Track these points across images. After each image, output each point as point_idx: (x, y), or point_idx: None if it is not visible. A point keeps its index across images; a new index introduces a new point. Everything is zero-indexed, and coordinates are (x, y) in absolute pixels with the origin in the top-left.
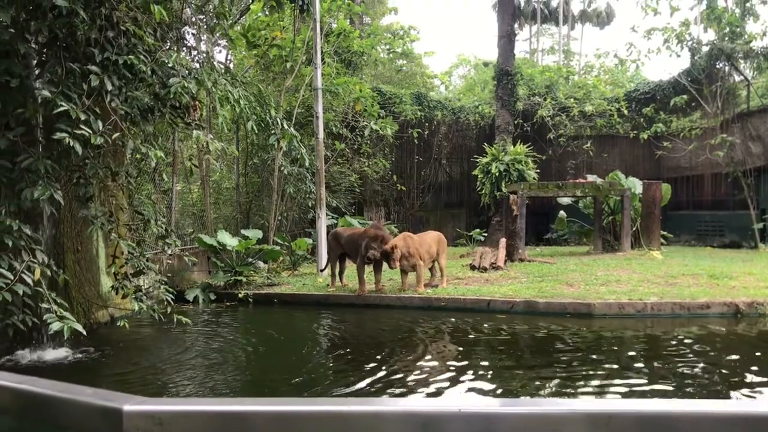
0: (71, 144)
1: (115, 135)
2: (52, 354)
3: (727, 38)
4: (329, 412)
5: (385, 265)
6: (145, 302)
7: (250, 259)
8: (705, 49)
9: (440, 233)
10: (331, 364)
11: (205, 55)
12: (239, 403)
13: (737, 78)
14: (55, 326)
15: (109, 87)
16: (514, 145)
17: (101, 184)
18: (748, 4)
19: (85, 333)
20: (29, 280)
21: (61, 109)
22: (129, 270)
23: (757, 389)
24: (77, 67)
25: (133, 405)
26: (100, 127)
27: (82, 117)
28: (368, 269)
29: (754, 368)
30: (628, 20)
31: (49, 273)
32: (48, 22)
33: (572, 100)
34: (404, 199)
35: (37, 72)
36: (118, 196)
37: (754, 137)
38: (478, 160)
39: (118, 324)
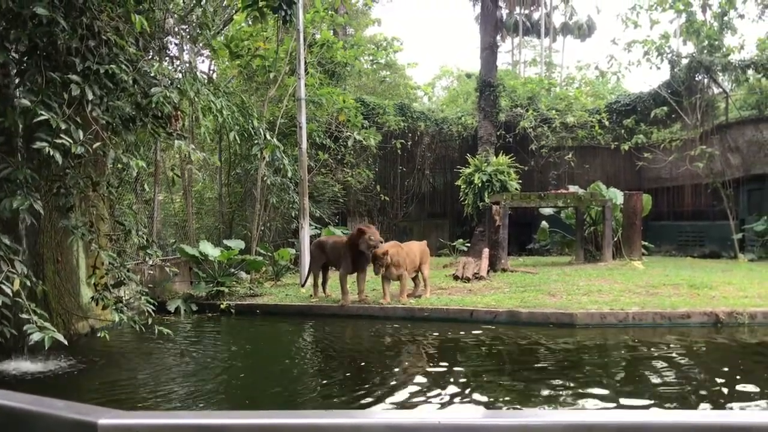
0: (51, 153)
1: (96, 144)
2: (31, 366)
3: (705, 51)
4: (309, 424)
5: (368, 275)
6: (125, 313)
7: (233, 270)
8: (684, 61)
9: (424, 243)
10: (311, 376)
11: (187, 65)
12: (217, 416)
13: (716, 90)
14: (36, 336)
15: (90, 96)
16: (497, 156)
17: (82, 194)
18: (726, 18)
19: (66, 343)
20: (8, 291)
21: (41, 118)
22: (109, 281)
23: (737, 399)
24: (58, 77)
25: (108, 419)
26: (81, 137)
27: (63, 126)
28: (351, 279)
29: (734, 378)
30: (609, 33)
31: (28, 283)
32: (28, 30)
33: (554, 111)
34: (388, 209)
35: (17, 81)
36: (99, 206)
37: (733, 149)
38: (461, 170)
39: (98, 335)
